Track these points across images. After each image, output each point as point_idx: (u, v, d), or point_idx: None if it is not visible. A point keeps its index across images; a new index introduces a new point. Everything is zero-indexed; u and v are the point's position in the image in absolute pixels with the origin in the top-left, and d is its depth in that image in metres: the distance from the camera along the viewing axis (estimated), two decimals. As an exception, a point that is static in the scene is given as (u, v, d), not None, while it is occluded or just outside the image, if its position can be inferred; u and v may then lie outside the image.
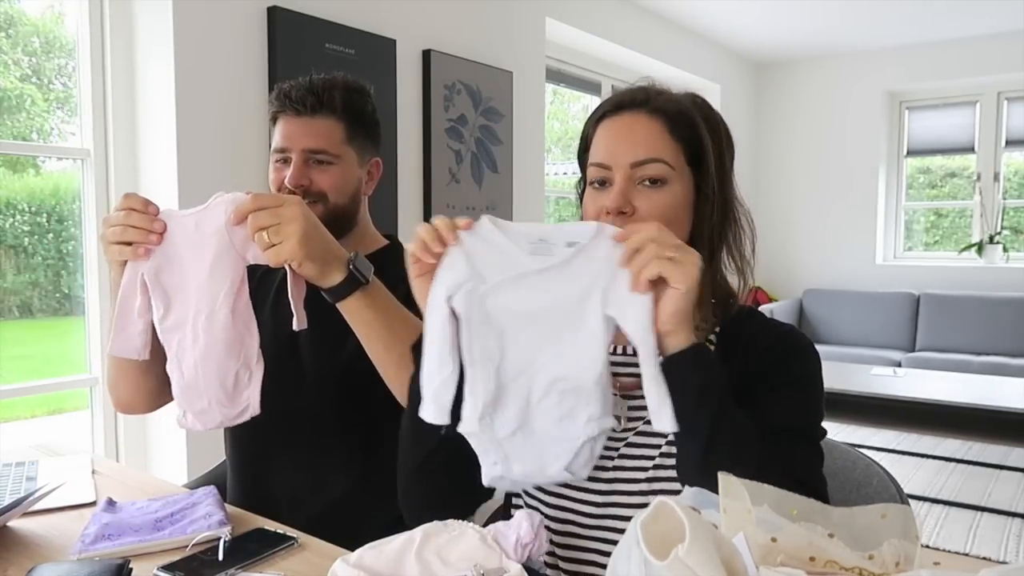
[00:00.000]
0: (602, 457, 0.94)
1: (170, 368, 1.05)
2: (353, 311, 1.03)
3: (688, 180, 0.92)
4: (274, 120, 1.29)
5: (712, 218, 0.93)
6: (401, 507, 0.99)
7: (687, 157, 0.92)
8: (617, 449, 0.93)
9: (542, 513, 0.96)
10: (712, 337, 0.96)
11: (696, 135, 0.92)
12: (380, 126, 1.37)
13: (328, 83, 1.26)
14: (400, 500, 0.99)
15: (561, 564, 0.95)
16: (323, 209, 1.25)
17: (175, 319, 1.03)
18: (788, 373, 0.91)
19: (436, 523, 0.83)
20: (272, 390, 1.18)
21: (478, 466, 0.83)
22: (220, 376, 1.03)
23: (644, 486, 0.90)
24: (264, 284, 1.38)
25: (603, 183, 0.94)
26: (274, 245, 0.96)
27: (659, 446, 0.91)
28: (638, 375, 0.95)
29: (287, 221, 0.96)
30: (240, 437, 1.34)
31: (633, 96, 0.94)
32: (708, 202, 0.93)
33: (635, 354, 0.97)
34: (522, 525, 0.82)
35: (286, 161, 1.26)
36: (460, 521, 0.83)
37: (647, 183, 0.91)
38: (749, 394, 0.89)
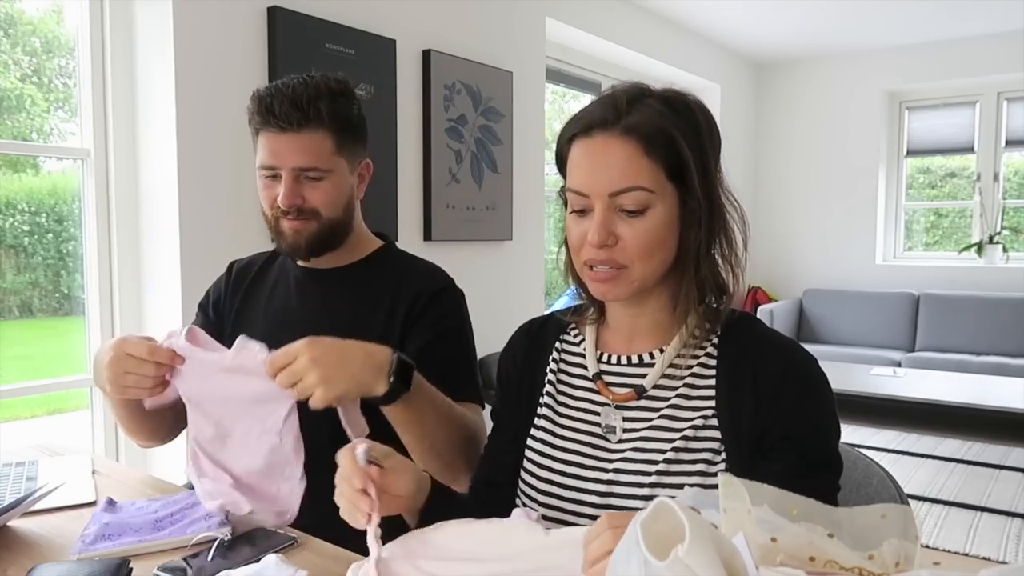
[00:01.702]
0: (597, 469, 0.93)
1: (212, 470, 1.05)
2: (393, 413, 1.04)
3: (671, 196, 0.88)
4: (253, 131, 1.23)
5: (699, 231, 0.90)
6: None
7: (668, 173, 0.87)
8: (612, 461, 0.92)
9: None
10: (711, 349, 0.93)
11: (675, 151, 0.87)
12: (366, 122, 1.30)
13: (313, 93, 1.19)
14: None
15: None
16: (317, 225, 1.23)
17: (218, 431, 1.04)
18: (805, 421, 0.88)
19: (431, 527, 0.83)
20: None
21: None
22: (264, 489, 1.04)
23: (640, 503, 0.88)
24: (259, 280, 1.37)
25: (583, 211, 0.90)
26: (308, 397, 0.94)
27: (657, 462, 0.89)
28: (632, 386, 0.95)
29: (305, 373, 0.93)
30: None
31: (603, 115, 0.88)
32: (695, 216, 0.89)
33: (629, 363, 0.97)
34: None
35: (275, 177, 1.21)
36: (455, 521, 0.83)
37: (627, 213, 0.87)
38: (766, 438, 0.87)
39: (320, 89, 1.20)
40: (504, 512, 0.87)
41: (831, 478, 0.90)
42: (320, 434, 1.27)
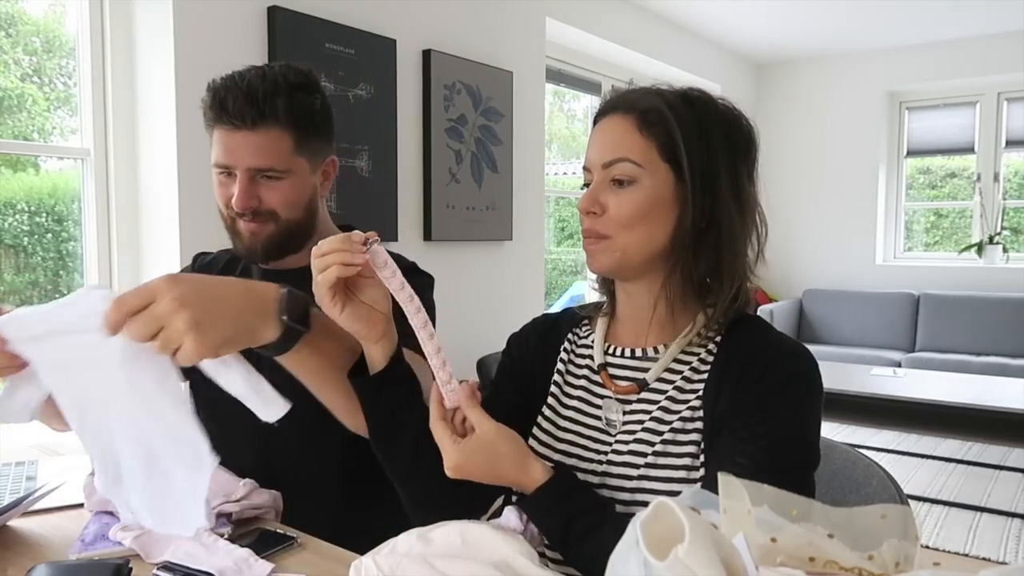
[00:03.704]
0: (593, 461, 0.94)
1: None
2: (296, 363, 0.89)
3: (664, 174, 0.90)
4: (207, 125, 1.15)
5: (691, 216, 0.90)
6: (410, 515, 0.99)
7: (661, 152, 0.90)
8: (606, 454, 0.93)
9: None
10: (712, 347, 0.94)
11: (666, 130, 0.89)
12: (332, 117, 1.21)
13: (270, 88, 1.10)
14: (408, 511, 0.99)
15: (551, 567, 0.94)
16: (275, 227, 1.16)
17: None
18: (774, 408, 0.86)
19: (424, 529, 0.82)
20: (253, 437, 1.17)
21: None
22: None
23: (628, 495, 0.89)
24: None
25: (587, 185, 0.95)
26: (175, 350, 0.74)
27: (646, 454, 0.89)
28: (635, 379, 0.96)
29: (168, 318, 0.73)
30: (242, 444, 1.31)
31: (615, 100, 0.94)
32: (687, 202, 0.90)
33: (634, 356, 0.98)
34: (511, 519, 0.82)
35: (230, 175, 1.14)
36: (449, 522, 0.83)
37: (616, 184, 0.91)
38: (730, 422, 0.87)
39: (278, 83, 1.10)
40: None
41: (793, 478, 0.86)
42: (309, 440, 1.26)
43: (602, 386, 0.98)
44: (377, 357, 0.90)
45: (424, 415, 0.91)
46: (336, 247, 0.81)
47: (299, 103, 1.12)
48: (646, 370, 0.95)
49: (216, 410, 1.19)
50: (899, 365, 4.97)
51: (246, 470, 1.14)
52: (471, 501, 0.99)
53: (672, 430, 0.90)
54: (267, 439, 1.20)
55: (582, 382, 1.01)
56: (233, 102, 1.08)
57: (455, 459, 0.84)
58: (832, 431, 4.36)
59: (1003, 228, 5.50)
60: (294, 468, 1.22)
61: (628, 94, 0.94)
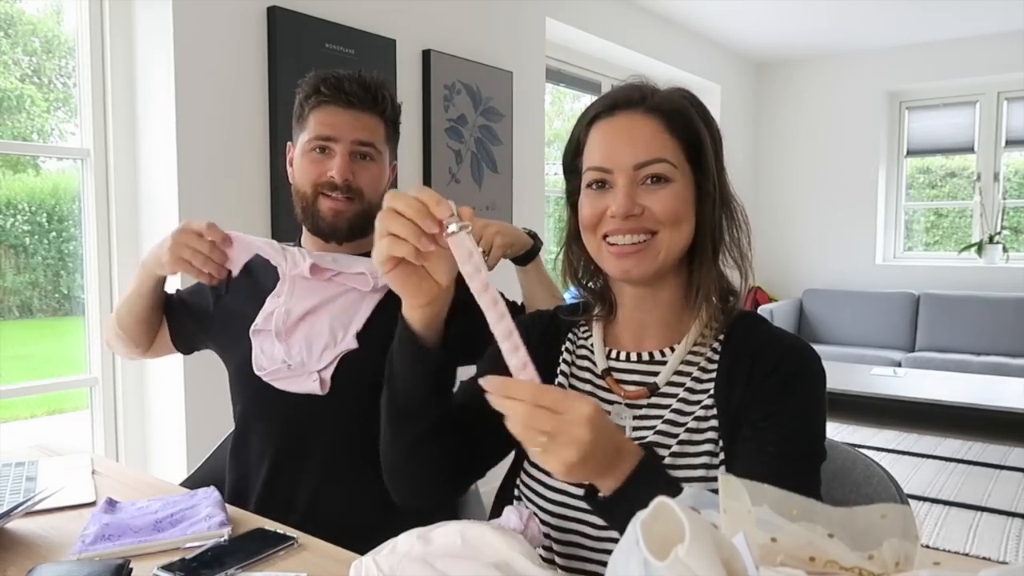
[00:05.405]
0: None
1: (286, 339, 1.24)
2: (530, 270, 1.36)
3: (689, 178, 0.91)
4: (308, 109, 1.25)
5: (714, 215, 0.92)
6: (389, 489, 0.95)
7: (686, 154, 0.91)
8: None
9: (543, 521, 0.93)
10: (716, 345, 0.94)
11: (694, 132, 0.91)
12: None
13: (379, 82, 1.28)
14: (387, 482, 0.94)
15: (560, 563, 0.94)
16: (358, 207, 1.24)
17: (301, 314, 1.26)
18: (789, 401, 0.88)
19: (424, 529, 0.82)
20: (296, 400, 1.18)
21: (466, 450, 0.92)
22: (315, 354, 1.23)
23: None
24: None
25: (602, 184, 0.91)
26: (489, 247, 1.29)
27: (663, 457, 0.88)
28: (644, 383, 0.95)
29: (485, 228, 1.30)
30: (264, 444, 1.30)
31: (628, 95, 0.92)
32: (709, 199, 0.92)
33: (639, 360, 0.97)
34: (511, 519, 0.82)
35: (324, 151, 1.24)
36: (449, 522, 0.83)
37: (651, 182, 0.89)
38: (748, 416, 0.88)
39: (384, 82, 1.30)
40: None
41: (810, 467, 0.89)
42: (320, 443, 1.26)
43: (608, 391, 0.96)
44: (415, 319, 0.82)
45: (442, 415, 0.88)
46: (414, 219, 0.73)
47: (395, 103, 1.32)
48: (654, 373, 0.94)
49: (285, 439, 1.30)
50: (899, 365, 4.97)
51: (306, 496, 1.26)
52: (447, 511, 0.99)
53: (688, 430, 0.89)
54: (328, 472, 1.27)
55: (587, 387, 0.98)
56: (349, 85, 1.24)
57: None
58: (832, 431, 4.36)
59: (1003, 228, 5.50)
60: (353, 499, 1.26)
61: (641, 92, 0.92)
